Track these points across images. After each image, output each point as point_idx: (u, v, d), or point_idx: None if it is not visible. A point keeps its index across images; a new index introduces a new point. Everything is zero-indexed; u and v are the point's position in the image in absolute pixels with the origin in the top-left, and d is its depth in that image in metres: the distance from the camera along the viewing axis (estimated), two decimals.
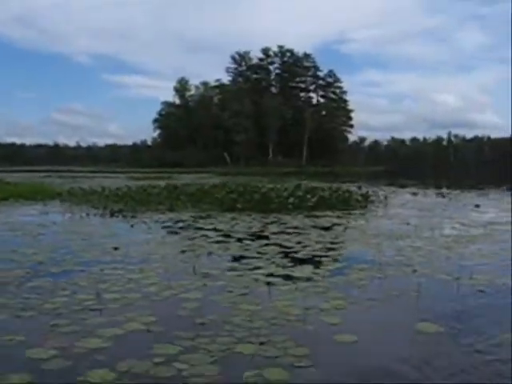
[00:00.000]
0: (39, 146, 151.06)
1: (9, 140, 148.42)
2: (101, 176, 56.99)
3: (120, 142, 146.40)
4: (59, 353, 4.92)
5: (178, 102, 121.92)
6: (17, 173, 47.75)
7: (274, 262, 9.20)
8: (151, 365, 4.65)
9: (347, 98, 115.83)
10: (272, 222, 15.09)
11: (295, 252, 10.33)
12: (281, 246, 11.00)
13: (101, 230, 13.83)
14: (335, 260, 9.58)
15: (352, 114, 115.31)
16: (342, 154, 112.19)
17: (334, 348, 5.19)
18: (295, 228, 13.92)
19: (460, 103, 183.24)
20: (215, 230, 13.59)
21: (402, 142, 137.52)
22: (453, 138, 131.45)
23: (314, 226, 14.32)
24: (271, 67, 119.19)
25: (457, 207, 20.59)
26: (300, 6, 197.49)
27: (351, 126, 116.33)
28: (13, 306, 6.53)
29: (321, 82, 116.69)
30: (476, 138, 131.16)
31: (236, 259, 9.59)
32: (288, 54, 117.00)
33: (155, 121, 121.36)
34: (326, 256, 9.87)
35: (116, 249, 10.71)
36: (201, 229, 13.83)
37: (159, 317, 6.07)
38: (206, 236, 12.40)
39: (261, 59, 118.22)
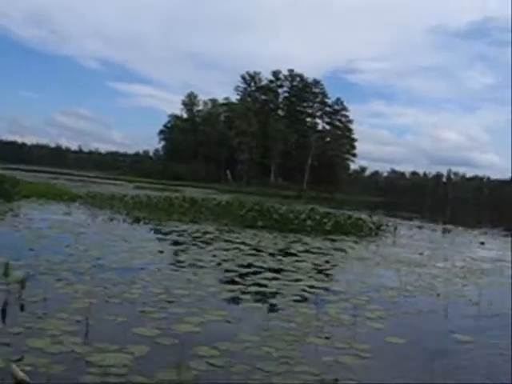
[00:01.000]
0: (40, 147, 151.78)
1: (10, 138, 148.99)
2: (105, 182, 57.89)
3: (122, 150, 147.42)
4: (162, 332, 5.90)
5: (185, 115, 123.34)
6: (14, 171, 48.19)
7: (311, 277, 10.22)
8: (244, 347, 5.64)
9: (352, 126, 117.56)
10: (294, 242, 16.10)
11: (327, 269, 11.34)
12: (311, 263, 11.99)
13: (136, 234, 14.80)
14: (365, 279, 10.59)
15: (355, 143, 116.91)
16: (343, 182, 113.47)
17: (386, 345, 6.21)
18: (318, 248, 14.94)
19: (462, 141, 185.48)
20: (244, 243, 14.57)
21: (402, 174, 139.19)
22: (452, 176, 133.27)
23: (335, 249, 15.33)
24: (280, 90, 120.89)
25: (463, 243, 21.63)
26: (311, 33, 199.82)
27: (354, 155, 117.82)
28: (98, 293, 7.51)
29: (328, 108, 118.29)
30: (476, 178, 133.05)
31: (276, 271, 10.58)
32: (297, 79, 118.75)
33: (161, 132, 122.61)
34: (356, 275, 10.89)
35: (161, 252, 11.71)
36: (229, 241, 14.81)
37: (230, 311, 7.07)
38: (239, 249, 13.38)
39: (270, 81, 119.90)
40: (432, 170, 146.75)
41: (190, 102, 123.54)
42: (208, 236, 15.82)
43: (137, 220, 19.23)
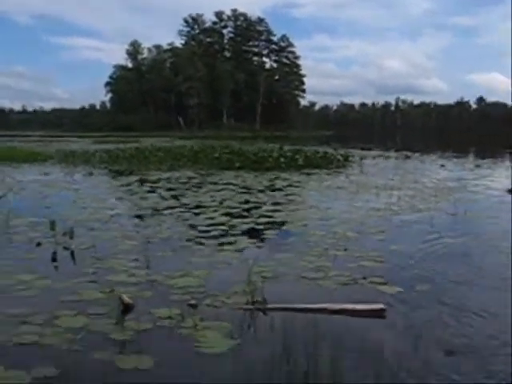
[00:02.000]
0: None
1: None
2: (63, 140, 57.42)
3: (67, 106, 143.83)
4: (215, 259, 7.00)
5: (130, 65, 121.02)
6: None
7: (306, 206, 11.44)
8: (284, 261, 6.80)
9: (300, 62, 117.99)
10: (275, 178, 17.28)
11: (317, 199, 12.59)
12: (299, 195, 13.22)
13: (132, 187, 15.57)
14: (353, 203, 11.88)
15: (304, 79, 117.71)
16: (294, 119, 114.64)
17: (392, 251, 7.48)
18: (298, 182, 16.17)
19: (407, 69, 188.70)
20: (231, 184, 15.63)
21: (351, 106, 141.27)
22: (400, 104, 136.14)
23: (314, 181, 16.61)
24: (224, 31, 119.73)
25: (425, 167, 23.22)
26: None
27: (303, 91, 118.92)
28: (134, 236, 8.51)
29: (274, 46, 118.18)
30: (423, 104, 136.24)
31: (274, 204, 11.75)
32: (241, 18, 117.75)
33: (107, 84, 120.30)
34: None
35: (164, 198, 12.71)
36: (216, 183, 15.84)
37: (256, 240, 8.21)
38: (229, 189, 14.44)
39: (214, 23, 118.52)
40: (380, 100, 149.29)
41: (134, 50, 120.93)
42: (194, 181, 16.79)
43: (118, 172, 19.97)
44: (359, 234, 8.57)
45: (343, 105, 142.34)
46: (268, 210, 10.91)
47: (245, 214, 10.57)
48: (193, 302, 5.24)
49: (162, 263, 6.85)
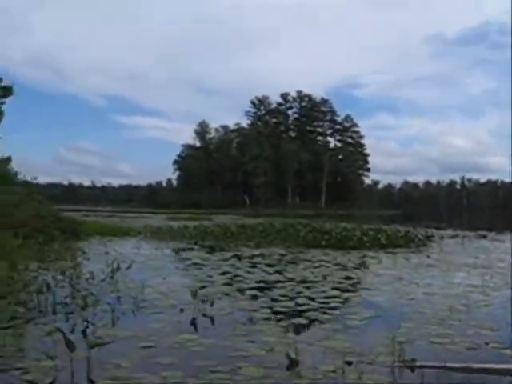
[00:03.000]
0: (53, 185, 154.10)
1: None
2: (136, 216, 59.76)
3: (133, 183, 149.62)
4: None
5: (197, 144, 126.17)
6: None
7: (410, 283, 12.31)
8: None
9: (364, 141, 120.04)
10: (363, 256, 18.16)
11: (415, 277, 13.42)
12: (396, 275, 14.09)
13: (232, 262, 16.74)
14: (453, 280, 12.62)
15: (368, 158, 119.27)
16: (359, 197, 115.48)
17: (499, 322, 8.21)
18: (387, 260, 17.04)
19: (471, 147, 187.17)
20: (324, 261, 16.62)
21: (415, 185, 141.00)
22: (466, 182, 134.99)
23: (401, 258, 17.43)
24: (289, 112, 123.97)
25: (505, 246, 23.51)
26: (310, 53, 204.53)
27: (368, 170, 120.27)
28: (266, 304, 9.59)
29: (338, 126, 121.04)
30: (489, 182, 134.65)
31: (375, 279, 12.65)
32: (306, 99, 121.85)
33: (175, 162, 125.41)
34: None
35: (270, 273, 13.80)
36: (309, 260, 16.84)
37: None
38: (324, 266, 15.42)
39: (279, 104, 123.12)
40: (445, 178, 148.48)
41: (202, 130, 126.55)
42: (287, 258, 17.85)
43: (210, 248, 21.30)
44: (466, 307, 9.35)
45: (407, 183, 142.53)
46: (372, 283, 11.83)
47: (350, 288, 11.51)
48: (348, 359, 6.21)
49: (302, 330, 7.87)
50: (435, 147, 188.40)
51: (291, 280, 12.67)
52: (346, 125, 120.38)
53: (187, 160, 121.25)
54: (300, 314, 8.89)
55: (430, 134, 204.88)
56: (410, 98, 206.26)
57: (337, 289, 11.34)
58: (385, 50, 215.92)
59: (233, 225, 29.65)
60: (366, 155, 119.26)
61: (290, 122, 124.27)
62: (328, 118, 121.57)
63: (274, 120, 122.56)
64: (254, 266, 15.52)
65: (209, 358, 6.34)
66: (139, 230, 30.28)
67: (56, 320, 8.13)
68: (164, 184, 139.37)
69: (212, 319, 8.58)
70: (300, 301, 10.01)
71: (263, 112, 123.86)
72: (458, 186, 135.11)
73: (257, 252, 19.65)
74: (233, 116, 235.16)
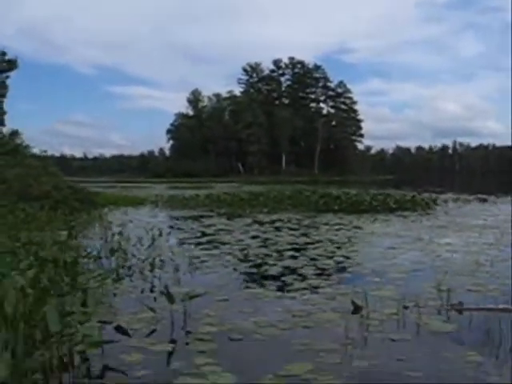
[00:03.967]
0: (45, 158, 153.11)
1: None
2: (133, 186, 60.05)
3: (125, 153, 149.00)
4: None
5: (190, 113, 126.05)
6: None
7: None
8: None
9: (356, 107, 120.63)
10: (375, 220, 19.25)
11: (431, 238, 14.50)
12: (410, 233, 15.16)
13: (255, 227, 17.68)
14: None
15: (361, 124, 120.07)
16: (352, 163, 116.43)
17: None
18: (399, 222, 18.12)
19: (462, 111, 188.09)
20: (342, 224, 17.67)
21: (408, 150, 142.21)
22: (458, 147, 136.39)
23: (412, 221, 18.53)
24: (282, 78, 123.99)
25: (508, 208, 24.64)
26: (301, 16, 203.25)
27: (361, 136, 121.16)
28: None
29: (331, 92, 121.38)
30: (481, 147, 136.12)
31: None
32: (299, 66, 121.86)
33: (168, 131, 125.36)
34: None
35: (295, 236, 14.82)
36: (326, 224, 17.88)
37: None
38: (345, 229, 16.46)
39: (272, 71, 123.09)
40: (437, 143, 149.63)
41: (194, 98, 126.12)
42: (305, 222, 18.89)
43: (228, 215, 22.27)
44: (488, 261, 10.41)
45: (399, 148, 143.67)
46: (396, 243, 12.93)
47: (378, 247, 12.57)
48: (405, 304, 7.24)
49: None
50: (427, 112, 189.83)
51: (319, 242, 13.69)
52: (339, 91, 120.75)
53: (180, 129, 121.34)
54: (343, 269, 9.93)
55: (421, 98, 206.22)
56: (402, 62, 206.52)
57: (365, 248, 12.39)
58: (375, 14, 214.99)
59: (243, 192, 30.62)
60: (359, 121, 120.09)
61: (282, 88, 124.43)
62: (321, 84, 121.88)
63: (267, 87, 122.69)
64: (278, 229, 16.54)
65: (281, 307, 7.34)
66: (151, 199, 31.19)
67: (132, 280, 9.08)
68: (156, 153, 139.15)
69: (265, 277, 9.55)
70: (337, 259, 11.04)
71: (256, 79, 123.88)
72: (449, 151, 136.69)
73: (274, 217, 20.65)
74: (225, 84, 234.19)
